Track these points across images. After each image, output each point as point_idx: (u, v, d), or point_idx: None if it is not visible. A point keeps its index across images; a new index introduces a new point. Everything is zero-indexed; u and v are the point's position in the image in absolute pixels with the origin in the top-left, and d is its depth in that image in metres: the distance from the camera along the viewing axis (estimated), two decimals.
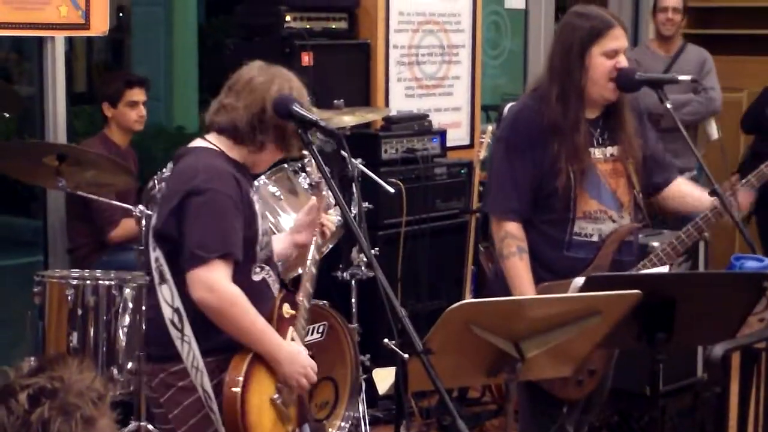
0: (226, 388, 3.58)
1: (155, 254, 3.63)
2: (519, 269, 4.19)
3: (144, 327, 4.29)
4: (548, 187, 4.18)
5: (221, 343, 3.60)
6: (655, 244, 4.57)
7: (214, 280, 3.51)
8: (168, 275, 3.60)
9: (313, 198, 4.10)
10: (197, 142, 3.78)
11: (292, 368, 3.67)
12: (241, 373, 3.58)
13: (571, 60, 4.16)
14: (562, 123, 4.15)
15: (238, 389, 3.56)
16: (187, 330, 3.57)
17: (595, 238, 4.23)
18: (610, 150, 4.26)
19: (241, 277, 3.59)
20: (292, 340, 3.74)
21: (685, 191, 4.44)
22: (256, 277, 3.70)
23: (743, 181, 4.22)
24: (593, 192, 4.21)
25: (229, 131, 3.71)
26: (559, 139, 4.15)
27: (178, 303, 3.58)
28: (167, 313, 3.60)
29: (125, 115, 5.88)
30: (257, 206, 3.71)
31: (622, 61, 4.17)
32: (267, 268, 3.74)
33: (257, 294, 3.63)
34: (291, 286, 5.15)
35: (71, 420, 2.00)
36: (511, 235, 4.21)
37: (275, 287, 3.77)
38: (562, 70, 4.18)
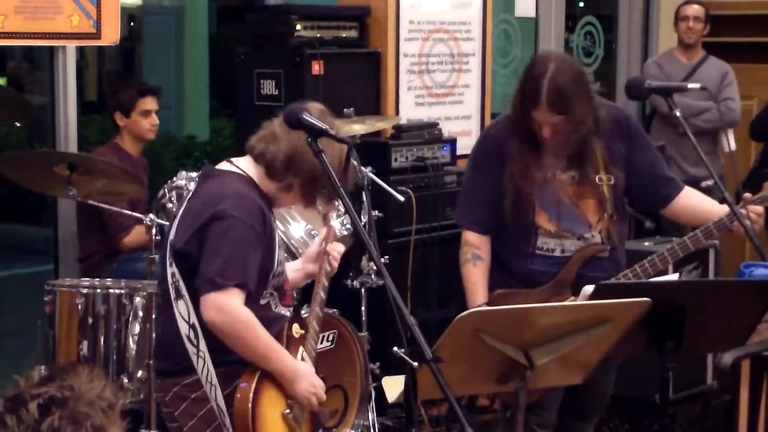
0: (236, 401, 3.59)
1: (172, 270, 3.65)
2: (472, 276, 4.38)
3: (156, 342, 4.29)
4: (505, 203, 4.30)
5: (235, 357, 3.62)
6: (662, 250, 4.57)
7: (227, 303, 3.54)
8: (184, 291, 3.61)
9: (324, 229, 4.12)
10: (226, 165, 3.78)
11: (302, 387, 3.69)
12: (251, 388, 3.59)
13: (518, 108, 4.25)
14: (513, 150, 4.27)
15: (248, 404, 3.57)
16: (203, 345, 3.59)
17: (557, 253, 4.33)
18: (574, 172, 4.29)
19: (248, 302, 3.61)
20: (302, 359, 3.75)
21: (694, 204, 4.45)
22: (263, 301, 3.73)
23: (755, 197, 4.23)
24: (552, 214, 4.32)
25: (266, 161, 3.71)
26: (513, 159, 4.26)
27: (194, 319, 3.60)
28: (183, 328, 3.61)
29: (138, 124, 5.88)
30: (278, 236, 3.73)
31: (544, 132, 4.18)
32: (275, 294, 3.77)
33: (261, 317, 3.64)
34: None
35: (81, 429, 2.00)
36: (468, 243, 4.41)
37: (279, 309, 3.78)
38: (516, 109, 4.26)
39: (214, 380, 3.58)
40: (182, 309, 3.61)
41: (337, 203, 4.00)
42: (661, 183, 4.44)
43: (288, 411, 3.69)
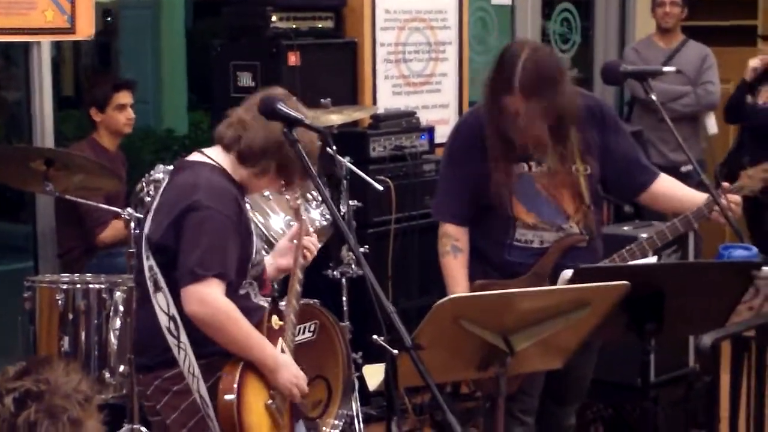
0: (220, 395, 3.58)
1: (149, 263, 3.64)
2: (451, 268, 4.36)
3: (135, 336, 4.28)
4: (483, 196, 4.28)
5: (217, 348, 3.61)
6: (644, 235, 4.58)
7: (208, 294, 3.53)
8: (163, 283, 3.61)
9: (295, 224, 4.11)
10: (197, 156, 3.78)
11: (284, 378, 3.68)
12: (235, 379, 3.58)
13: (488, 100, 4.22)
14: (492, 136, 4.23)
15: (233, 396, 3.57)
16: (183, 337, 3.58)
17: (536, 245, 4.32)
18: (549, 163, 4.28)
19: (228, 292, 3.60)
20: (282, 351, 3.75)
21: (670, 191, 4.45)
22: (242, 291, 3.72)
23: (732, 186, 4.24)
24: (529, 205, 4.31)
25: (238, 149, 3.71)
26: (491, 150, 4.24)
27: (173, 311, 3.59)
28: (163, 320, 3.60)
29: (114, 119, 5.87)
30: (253, 226, 3.74)
31: (519, 122, 4.14)
32: (254, 284, 3.77)
33: (241, 307, 3.63)
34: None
35: (58, 422, 2.00)
36: (447, 234, 4.39)
37: (258, 300, 3.78)
38: (488, 99, 4.24)
39: (197, 372, 3.57)
40: (161, 301, 3.60)
41: (312, 191, 4.01)
42: (637, 170, 4.43)
43: (271, 401, 3.68)
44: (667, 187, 4.45)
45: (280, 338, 3.76)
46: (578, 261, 4.26)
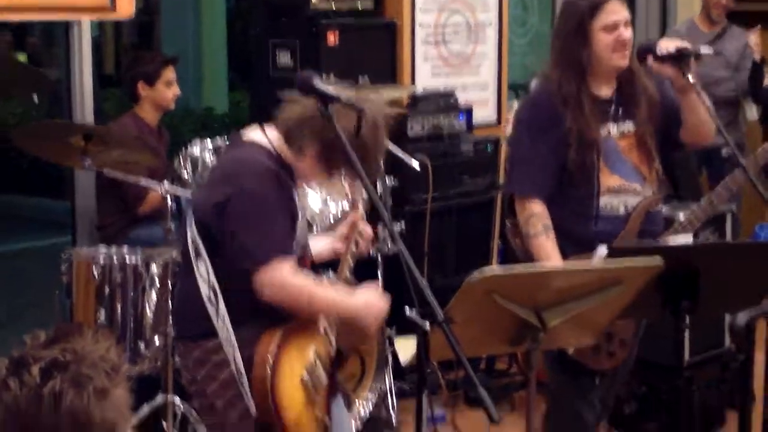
0: (255, 365, 3.61)
1: (192, 233, 3.67)
2: (546, 248, 4.21)
3: (176, 306, 4.31)
4: (569, 164, 4.20)
5: (253, 320, 3.64)
6: (680, 214, 4.57)
7: (281, 278, 3.56)
8: (203, 252, 3.63)
9: (353, 213, 4.12)
10: (253, 133, 3.76)
11: (370, 316, 3.77)
12: (271, 353, 3.61)
13: (572, 39, 4.18)
14: (570, 102, 4.17)
15: (267, 370, 3.59)
16: (222, 308, 3.60)
17: (621, 212, 4.25)
18: (628, 125, 4.26)
19: None
20: (325, 332, 3.79)
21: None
22: None
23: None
24: (614, 167, 4.24)
25: (282, 126, 3.71)
26: (570, 117, 4.17)
27: (213, 280, 3.61)
28: (204, 290, 3.63)
29: (162, 94, 5.92)
30: (299, 209, 3.74)
31: (624, 33, 4.16)
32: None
33: None
34: None
35: (83, 392, 2.00)
36: (536, 214, 4.24)
37: None
38: (565, 50, 4.21)
39: (233, 340, 3.60)
40: (202, 270, 3.63)
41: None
42: (677, 106, 4.32)
43: (306, 376, 3.71)
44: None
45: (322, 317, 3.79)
46: (655, 224, 4.24)
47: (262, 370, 3.60)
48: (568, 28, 4.21)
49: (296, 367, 3.69)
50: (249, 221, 3.56)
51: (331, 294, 3.72)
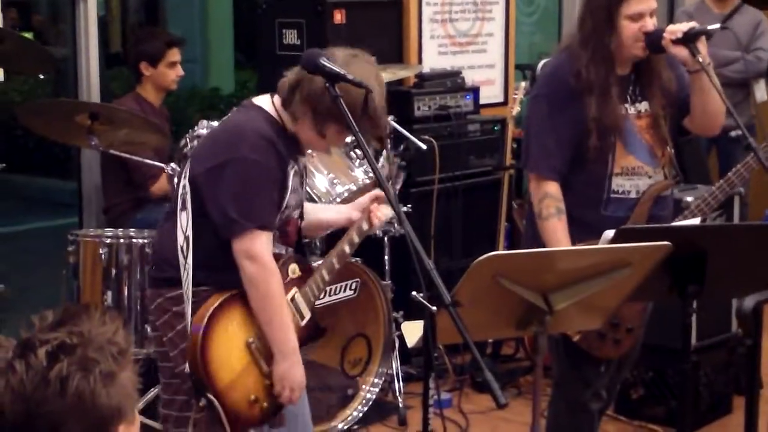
0: (192, 324, 3.59)
1: (184, 182, 3.69)
2: (557, 231, 4.17)
3: (152, 249, 4.28)
4: (586, 143, 4.16)
5: (214, 279, 3.64)
6: (689, 199, 4.55)
7: (258, 251, 3.57)
8: (189, 204, 3.64)
9: (377, 191, 4.04)
10: (261, 99, 3.77)
11: (288, 373, 3.66)
12: (209, 310, 3.58)
13: (599, 24, 4.15)
14: (595, 83, 4.14)
15: (200, 326, 3.56)
16: (190, 259, 3.61)
17: (632, 195, 4.22)
18: (643, 105, 4.24)
19: None
20: (293, 300, 3.75)
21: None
22: None
23: None
24: (630, 147, 4.21)
25: (279, 92, 3.71)
26: (593, 97, 4.14)
27: (189, 232, 3.62)
28: (179, 239, 3.65)
29: (165, 75, 5.89)
30: (290, 180, 3.71)
31: (648, 24, 4.13)
32: (276, 232, 3.75)
33: None
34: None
35: (90, 375, 1.99)
36: (551, 195, 4.19)
37: (276, 248, 3.75)
38: (592, 34, 4.17)
39: (191, 296, 3.60)
40: (183, 220, 3.65)
41: (356, 149, 3.99)
42: (687, 95, 4.29)
43: (252, 340, 3.67)
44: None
45: (295, 287, 3.76)
46: (665, 209, 4.22)
47: (195, 326, 3.57)
48: (595, 12, 4.17)
49: (239, 331, 3.65)
50: (236, 189, 3.57)
51: (287, 310, 3.67)
